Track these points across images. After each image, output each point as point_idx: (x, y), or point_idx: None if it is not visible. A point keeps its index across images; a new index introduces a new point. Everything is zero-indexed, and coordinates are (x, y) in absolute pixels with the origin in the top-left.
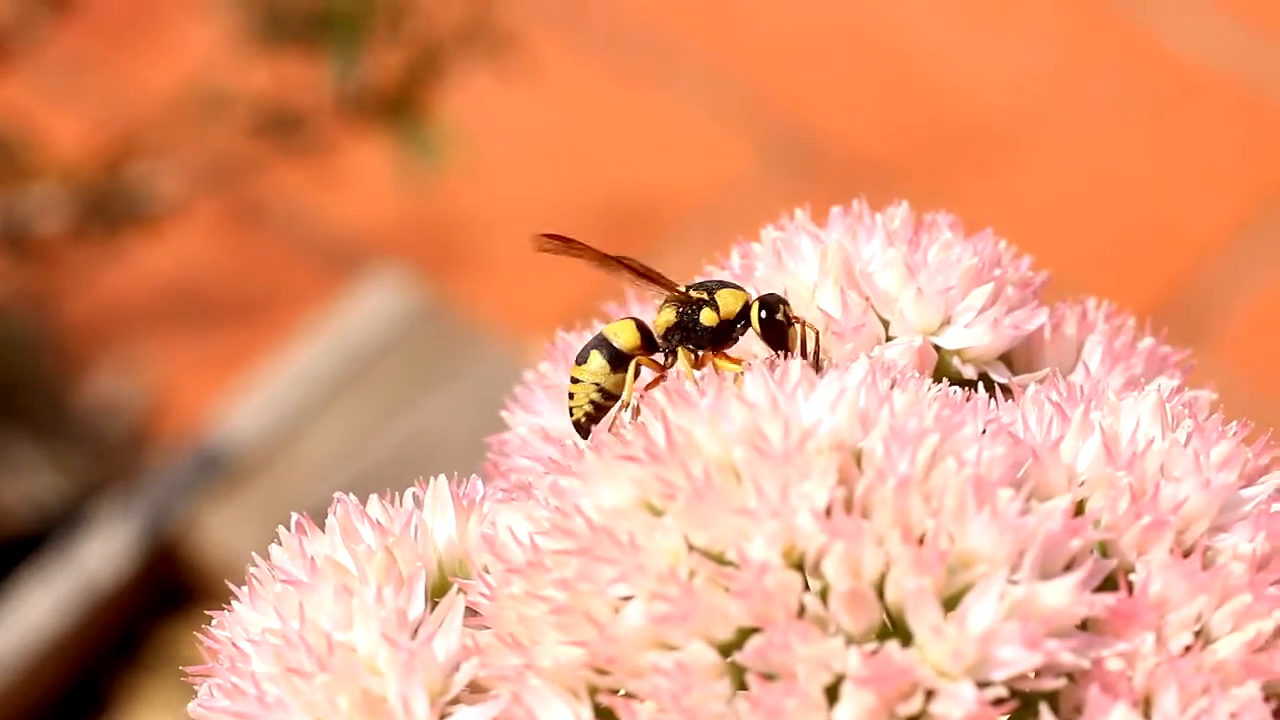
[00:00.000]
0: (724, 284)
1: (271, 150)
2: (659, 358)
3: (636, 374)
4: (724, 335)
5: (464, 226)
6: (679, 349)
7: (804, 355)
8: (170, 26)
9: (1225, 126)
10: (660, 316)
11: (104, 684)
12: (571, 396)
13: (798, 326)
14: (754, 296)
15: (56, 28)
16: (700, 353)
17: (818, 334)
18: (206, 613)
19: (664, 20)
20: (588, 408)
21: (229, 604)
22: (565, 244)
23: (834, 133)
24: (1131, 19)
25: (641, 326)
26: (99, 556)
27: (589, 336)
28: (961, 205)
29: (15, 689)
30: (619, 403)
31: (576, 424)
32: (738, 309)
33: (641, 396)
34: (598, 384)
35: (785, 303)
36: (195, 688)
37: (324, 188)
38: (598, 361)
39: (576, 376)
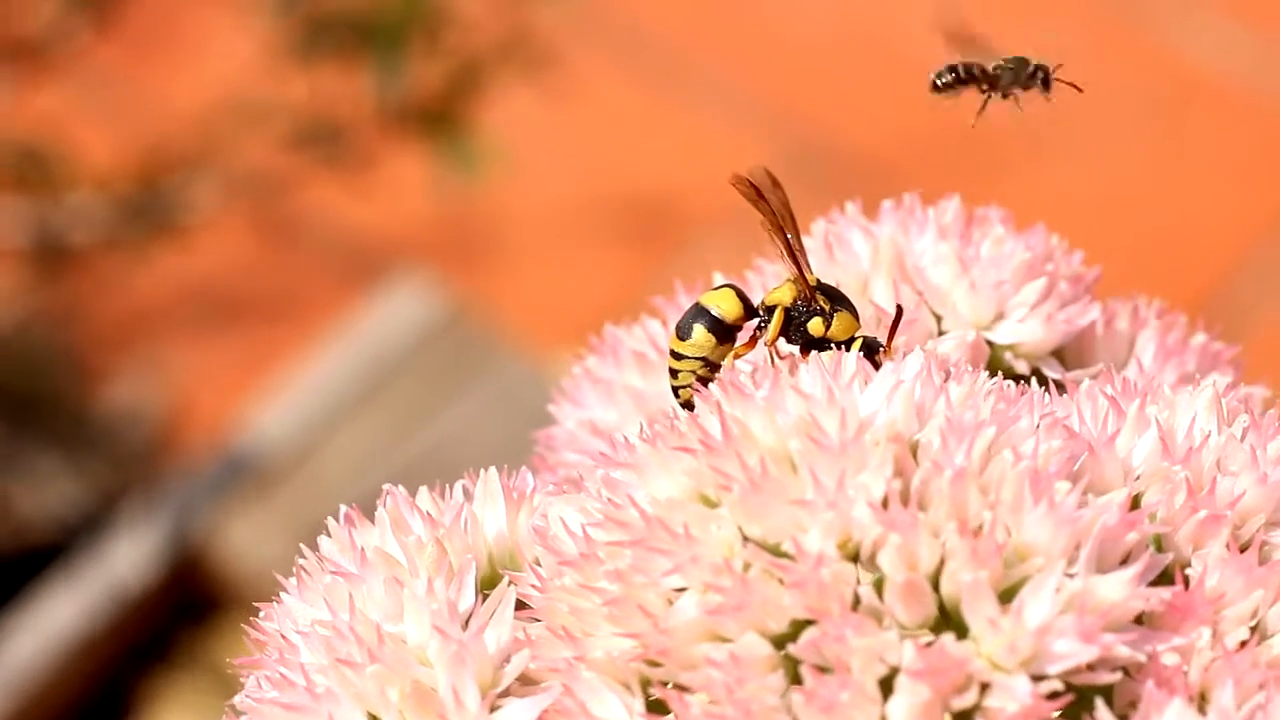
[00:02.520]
0: (848, 305)
1: (309, 162)
2: (752, 325)
3: (752, 343)
4: (817, 346)
5: (491, 232)
6: (771, 324)
7: None
8: (205, 40)
9: (1246, 136)
10: (776, 292)
11: (129, 688)
12: (675, 374)
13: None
14: (861, 333)
15: (92, 41)
16: (789, 341)
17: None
18: (233, 618)
19: (688, 32)
20: (695, 383)
21: (254, 610)
22: (756, 194)
23: (855, 140)
24: (1148, 29)
25: (741, 294)
26: (125, 561)
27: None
28: None
29: (41, 692)
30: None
31: (685, 404)
32: (844, 338)
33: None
34: (703, 358)
35: (880, 347)
36: (228, 688)
37: (354, 195)
38: (701, 334)
39: (679, 352)
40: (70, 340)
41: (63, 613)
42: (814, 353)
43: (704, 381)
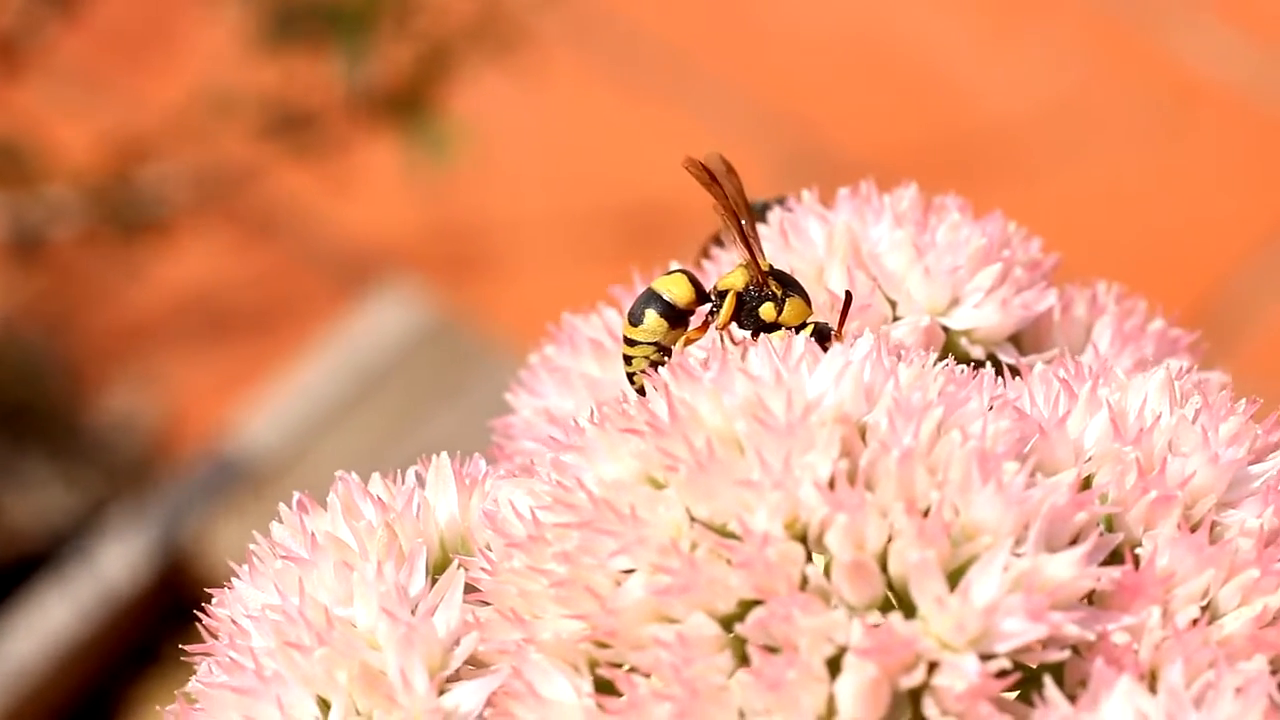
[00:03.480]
0: (800, 291)
1: (282, 152)
2: (704, 310)
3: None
4: (767, 330)
5: (482, 238)
6: (722, 309)
7: None
8: (179, 36)
9: (1246, 144)
10: (729, 277)
11: (119, 692)
12: (628, 360)
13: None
14: (814, 319)
15: (65, 35)
16: (740, 325)
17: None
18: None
19: (678, 36)
20: (648, 368)
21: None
22: (709, 178)
23: (849, 144)
24: (1150, 38)
25: (694, 279)
26: (116, 566)
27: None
28: None
29: (33, 696)
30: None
31: (639, 389)
32: (795, 324)
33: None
34: (655, 343)
35: (831, 334)
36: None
37: (338, 198)
38: (653, 319)
39: (632, 338)
40: (63, 350)
41: (54, 617)
42: (763, 335)
43: (657, 366)
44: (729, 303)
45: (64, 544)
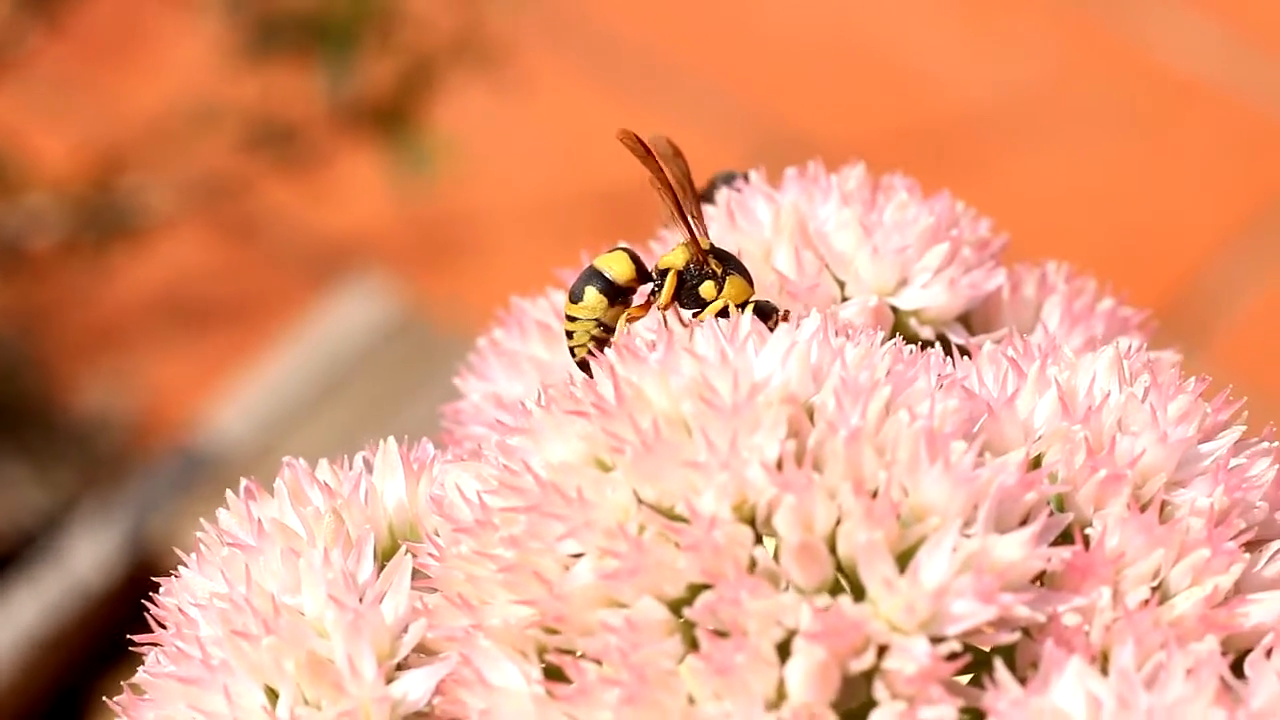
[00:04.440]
0: (742, 270)
1: (263, 163)
2: (647, 289)
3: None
4: (706, 308)
5: (458, 233)
6: (665, 287)
7: None
8: (159, 44)
9: (1216, 135)
10: (670, 255)
11: (89, 686)
12: (570, 336)
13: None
14: (756, 297)
15: (46, 44)
16: (682, 305)
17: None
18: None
19: (658, 32)
20: (590, 345)
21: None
22: (644, 151)
23: (828, 137)
24: (1121, 29)
25: (635, 257)
26: (85, 562)
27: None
28: None
29: (3, 690)
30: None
31: (581, 364)
32: (737, 302)
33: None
34: (597, 319)
35: (776, 311)
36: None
37: (316, 200)
38: (593, 295)
39: (572, 315)
40: (37, 349)
41: (24, 613)
42: (710, 315)
43: (600, 343)
44: (669, 282)
45: (37, 541)
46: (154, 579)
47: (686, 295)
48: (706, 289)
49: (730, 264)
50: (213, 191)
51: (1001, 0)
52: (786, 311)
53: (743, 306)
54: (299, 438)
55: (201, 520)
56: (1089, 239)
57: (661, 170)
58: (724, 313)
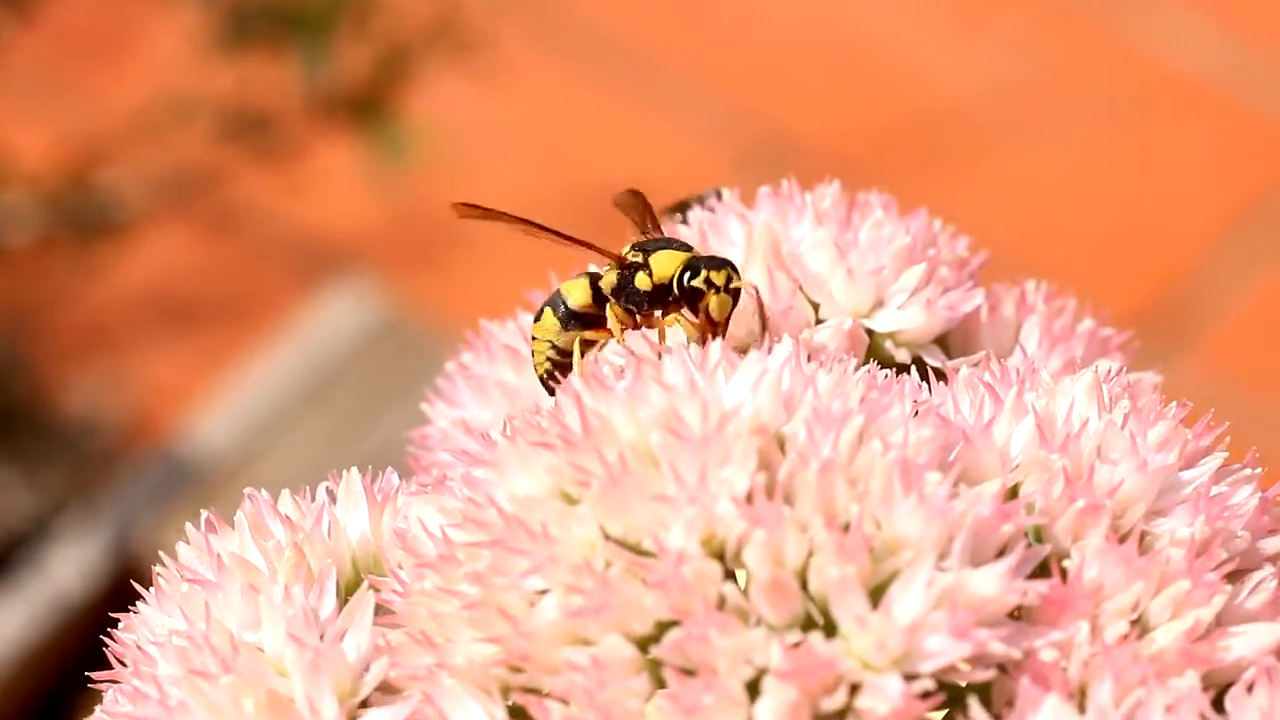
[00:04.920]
0: (668, 244)
1: (241, 155)
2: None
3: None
4: (661, 298)
5: (446, 232)
6: (616, 308)
7: (715, 324)
8: (136, 38)
9: (1206, 131)
10: (604, 279)
11: (71, 697)
12: (533, 354)
13: (721, 295)
14: (690, 257)
15: (20, 38)
16: (641, 314)
17: (760, 302)
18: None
19: (643, 32)
20: (546, 365)
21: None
22: (484, 211)
23: (815, 137)
24: (1113, 26)
25: (595, 284)
26: (67, 569)
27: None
28: (943, 211)
29: None
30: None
31: (542, 382)
32: (672, 272)
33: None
34: (551, 342)
35: (720, 267)
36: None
37: (297, 193)
38: (550, 320)
39: (534, 335)
40: (25, 351)
41: (7, 621)
42: (677, 343)
43: (556, 365)
44: (610, 307)
45: (23, 546)
46: (137, 590)
47: (629, 301)
48: (641, 281)
49: (651, 246)
50: (191, 185)
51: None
52: (737, 287)
53: (682, 275)
54: (284, 442)
55: (160, 554)
56: (1080, 236)
57: (514, 217)
58: (665, 291)
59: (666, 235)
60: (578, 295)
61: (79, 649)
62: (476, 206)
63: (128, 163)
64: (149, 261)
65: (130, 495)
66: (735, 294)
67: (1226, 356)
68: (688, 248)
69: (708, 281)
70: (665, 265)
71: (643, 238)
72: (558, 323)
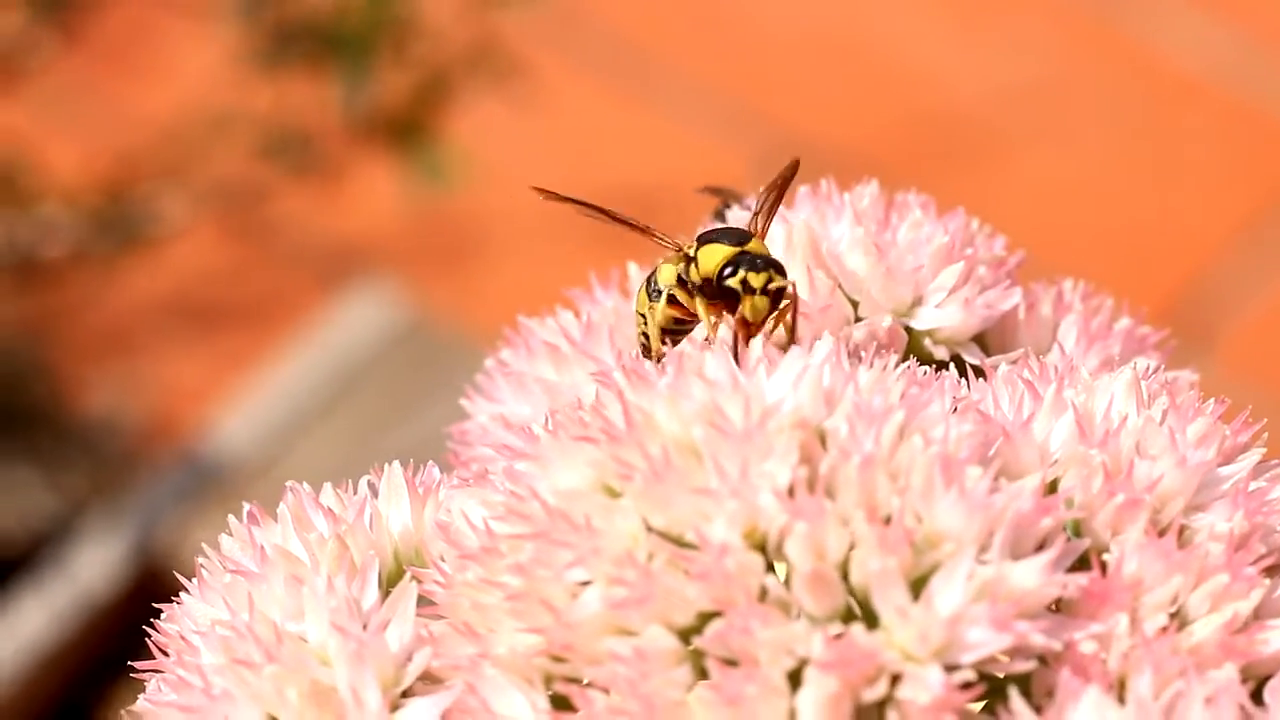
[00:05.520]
0: (717, 236)
1: (277, 172)
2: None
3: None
4: (708, 292)
5: (468, 237)
6: (698, 299)
7: (749, 326)
8: (170, 50)
9: (1220, 134)
10: (662, 273)
11: (94, 696)
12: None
13: (756, 298)
14: (735, 253)
15: (59, 53)
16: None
17: (794, 305)
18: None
19: (658, 37)
20: (641, 339)
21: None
22: (560, 197)
23: (830, 139)
24: (1123, 28)
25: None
26: (91, 569)
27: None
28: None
29: (8, 700)
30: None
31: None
32: (713, 269)
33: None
34: (642, 314)
35: (761, 269)
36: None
37: (326, 202)
38: (641, 296)
39: (635, 309)
40: (47, 353)
41: (31, 622)
42: (720, 339)
43: (648, 337)
44: (697, 300)
45: (45, 546)
46: (160, 589)
47: (699, 290)
48: (693, 273)
49: (704, 237)
50: (226, 199)
51: (1008, 2)
52: (776, 288)
53: (722, 274)
54: (306, 444)
55: (203, 545)
56: (1092, 240)
57: (590, 205)
58: (714, 286)
59: (728, 225)
60: (664, 276)
61: (102, 649)
62: (554, 193)
63: (163, 177)
64: (174, 267)
65: (153, 495)
66: (776, 295)
67: (1241, 359)
68: (742, 240)
69: (744, 283)
70: (708, 260)
71: (711, 226)
72: (647, 299)
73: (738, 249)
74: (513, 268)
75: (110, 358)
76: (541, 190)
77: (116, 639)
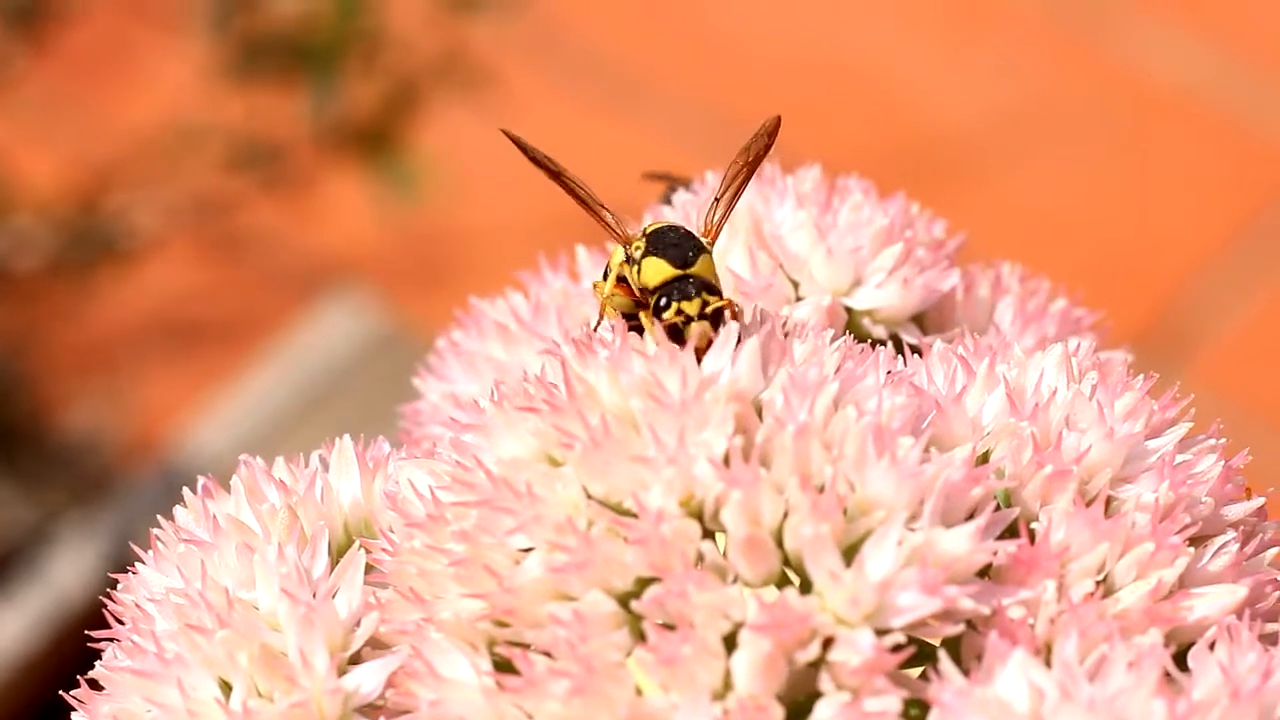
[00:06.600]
0: (664, 249)
1: (249, 184)
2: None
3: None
4: (644, 302)
5: (448, 252)
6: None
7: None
8: (145, 62)
9: (1200, 151)
10: (614, 255)
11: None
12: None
13: (698, 323)
14: (674, 276)
15: (32, 65)
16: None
17: (733, 314)
18: None
19: (636, 52)
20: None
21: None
22: (526, 147)
23: (804, 155)
24: (1106, 47)
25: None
26: (66, 579)
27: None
28: None
29: None
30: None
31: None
32: (652, 286)
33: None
34: (599, 289)
35: (692, 297)
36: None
37: (301, 216)
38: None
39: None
40: (27, 368)
41: (6, 629)
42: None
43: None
44: (610, 278)
45: (22, 561)
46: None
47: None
48: (633, 277)
49: (656, 246)
50: (199, 212)
51: (987, 19)
52: (726, 302)
53: (658, 290)
54: (280, 454)
55: (159, 517)
56: (1074, 256)
57: (553, 166)
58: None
59: (676, 224)
60: (615, 258)
61: (78, 656)
62: (521, 140)
63: (136, 188)
64: (151, 282)
65: (128, 507)
66: (715, 317)
67: (1220, 375)
68: (687, 260)
69: (680, 312)
70: (649, 276)
71: (657, 223)
72: (604, 281)
73: (678, 273)
74: (487, 281)
75: (89, 373)
76: (510, 135)
77: (92, 651)
